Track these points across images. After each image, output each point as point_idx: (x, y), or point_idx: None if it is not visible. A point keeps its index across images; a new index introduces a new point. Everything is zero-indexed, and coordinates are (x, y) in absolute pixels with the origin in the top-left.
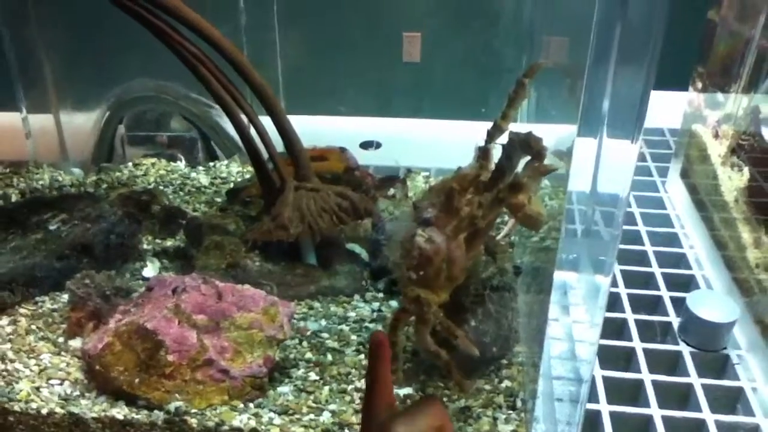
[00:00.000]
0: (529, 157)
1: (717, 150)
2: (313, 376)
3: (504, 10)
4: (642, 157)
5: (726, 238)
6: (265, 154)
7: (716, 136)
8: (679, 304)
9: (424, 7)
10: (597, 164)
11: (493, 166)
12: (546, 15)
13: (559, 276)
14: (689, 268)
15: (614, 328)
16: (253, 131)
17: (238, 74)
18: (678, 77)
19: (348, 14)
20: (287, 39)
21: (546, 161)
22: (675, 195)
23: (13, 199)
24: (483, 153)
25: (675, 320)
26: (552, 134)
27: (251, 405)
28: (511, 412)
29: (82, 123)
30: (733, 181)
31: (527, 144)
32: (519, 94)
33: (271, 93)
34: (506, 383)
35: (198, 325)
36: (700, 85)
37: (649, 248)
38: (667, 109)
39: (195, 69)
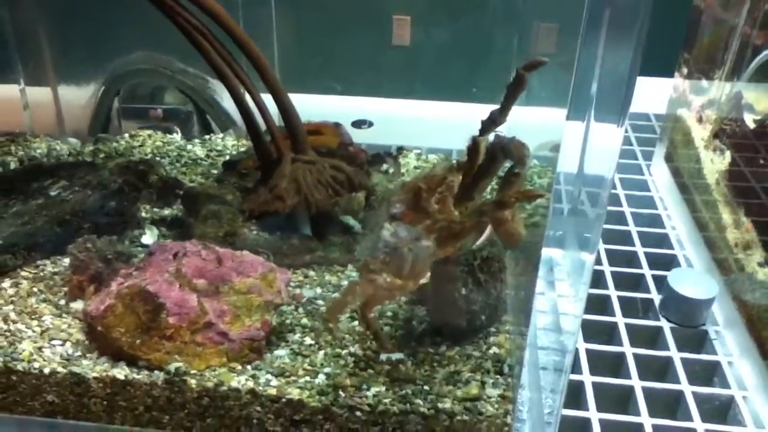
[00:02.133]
0: None
1: (700, 134)
2: (308, 340)
3: None
4: (628, 141)
5: (707, 220)
6: (262, 127)
7: (700, 120)
8: (661, 282)
9: None
10: (584, 147)
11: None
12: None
13: (545, 252)
14: (671, 247)
15: (598, 304)
16: (251, 105)
17: (237, 47)
18: (664, 64)
19: None
20: (283, 16)
21: (533, 158)
22: (659, 178)
23: (12, 166)
24: (473, 146)
25: (656, 297)
26: (541, 116)
27: (249, 367)
28: (498, 377)
29: (79, 96)
30: (715, 164)
31: (509, 151)
32: (518, 87)
33: (269, 67)
34: (494, 350)
35: (198, 289)
36: (685, 71)
37: (632, 228)
38: (653, 94)
39: (196, 41)
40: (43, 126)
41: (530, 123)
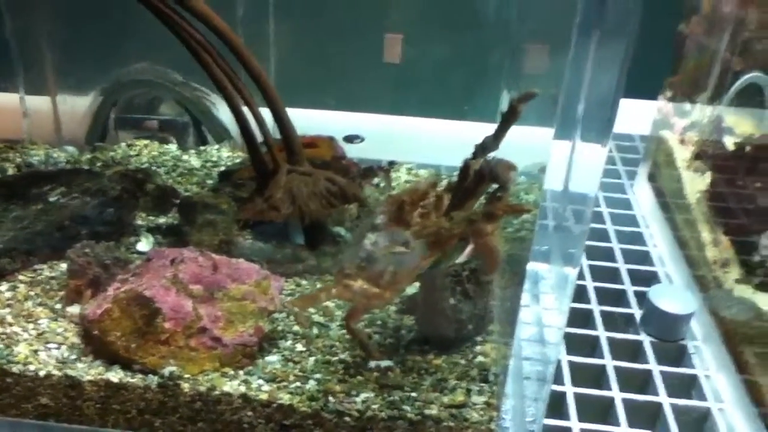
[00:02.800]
0: None
1: (682, 155)
2: (299, 347)
3: (486, 15)
4: (612, 161)
5: (687, 238)
6: (259, 139)
7: (682, 142)
8: (642, 298)
9: (407, 9)
10: (570, 165)
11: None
12: (526, 20)
13: (532, 266)
14: (652, 264)
15: (581, 318)
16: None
17: (238, 62)
18: (649, 87)
19: (340, 13)
20: (280, 33)
21: (521, 174)
22: (642, 197)
23: (10, 172)
24: (464, 169)
25: (638, 312)
26: (530, 135)
27: (241, 372)
28: (483, 384)
29: (77, 105)
30: (695, 184)
31: (495, 174)
32: (511, 118)
33: (268, 81)
34: (480, 359)
35: (194, 294)
36: (669, 93)
37: (615, 245)
38: (637, 116)
39: (197, 54)
40: (42, 134)
41: (520, 141)
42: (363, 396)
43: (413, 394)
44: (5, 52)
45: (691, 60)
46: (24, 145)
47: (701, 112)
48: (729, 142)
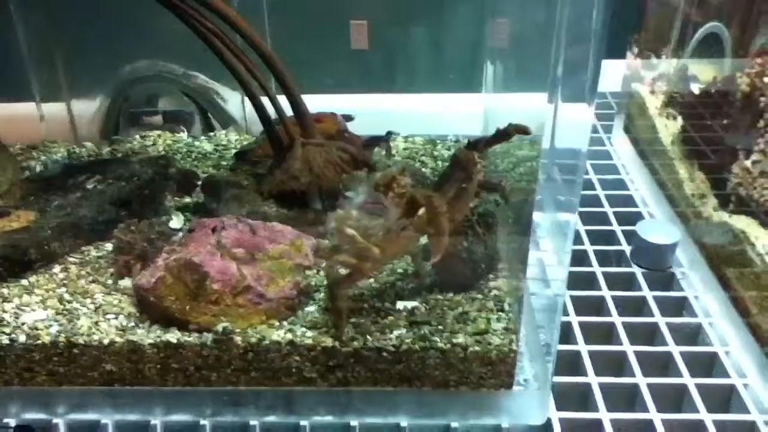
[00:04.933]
0: None
1: (654, 104)
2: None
3: None
4: None
5: (665, 179)
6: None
7: (653, 92)
8: (630, 236)
9: None
10: (554, 124)
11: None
12: None
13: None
14: (636, 206)
15: (576, 258)
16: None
17: (251, 48)
18: (615, 47)
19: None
20: (275, 22)
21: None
22: (619, 147)
23: (38, 169)
24: (451, 159)
25: (627, 248)
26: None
27: (285, 323)
28: (501, 313)
29: (87, 107)
30: (669, 128)
31: (461, 163)
32: (502, 139)
33: (280, 63)
34: (495, 292)
35: (237, 257)
36: (636, 50)
37: (600, 192)
38: (607, 75)
39: (209, 41)
40: (57, 136)
41: (518, 106)
42: (396, 333)
43: (440, 327)
44: (20, 63)
45: (654, 16)
46: (45, 145)
47: (668, 64)
48: (695, 89)
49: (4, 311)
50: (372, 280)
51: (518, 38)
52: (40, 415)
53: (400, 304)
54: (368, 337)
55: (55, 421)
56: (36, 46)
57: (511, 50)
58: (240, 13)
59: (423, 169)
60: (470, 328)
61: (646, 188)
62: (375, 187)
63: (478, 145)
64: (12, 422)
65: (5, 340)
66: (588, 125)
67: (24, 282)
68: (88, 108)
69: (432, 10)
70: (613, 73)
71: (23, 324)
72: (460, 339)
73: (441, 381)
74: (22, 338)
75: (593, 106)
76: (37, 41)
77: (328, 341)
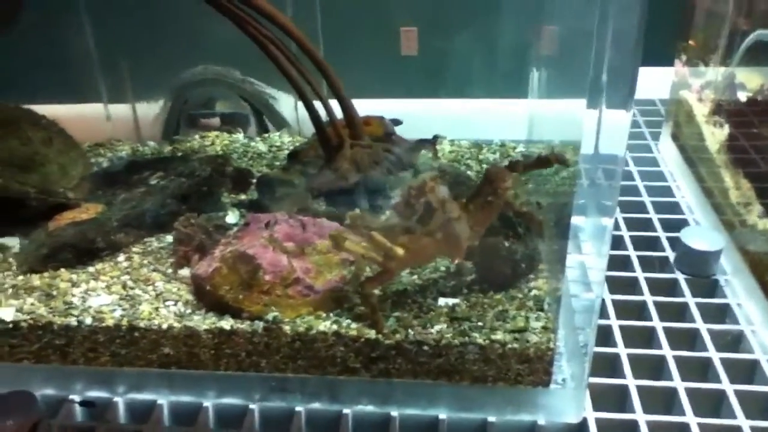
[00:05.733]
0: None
1: (701, 111)
2: (377, 292)
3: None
4: (637, 125)
5: (711, 186)
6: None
7: (700, 99)
8: (674, 243)
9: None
10: (598, 129)
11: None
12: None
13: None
14: (682, 213)
15: (620, 263)
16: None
17: (303, 53)
18: (665, 54)
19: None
20: (328, 28)
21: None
22: (667, 154)
23: (104, 165)
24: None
25: (671, 255)
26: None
27: (331, 315)
28: (540, 312)
29: (152, 107)
30: (715, 136)
31: (492, 177)
32: (541, 166)
33: (330, 69)
34: (534, 292)
35: (288, 251)
36: (684, 57)
37: (646, 198)
38: (657, 82)
39: (265, 48)
40: (122, 135)
41: (560, 112)
42: (437, 328)
43: (479, 324)
44: (90, 67)
45: (702, 24)
46: (111, 143)
47: (715, 71)
48: (742, 96)
49: (73, 295)
50: (415, 276)
51: (564, 45)
52: (102, 393)
53: (441, 301)
54: (410, 330)
55: (115, 399)
56: (104, 51)
57: (556, 57)
58: (295, 21)
59: (468, 172)
60: (509, 325)
61: (692, 195)
62: (407, 191)
63: (516, 166)
64: (77, 398)
65: (73, 322)
66: (625, 131)
67: (91, 269)
68: (150, 109)
69: (480, 15)
70: (662, 80)
71: (89, 307)
72: (499, 336)
73: (479, 376)
74: (88, 320)
75: (631, 112)
76: (105, 46)
77: (372, 333)
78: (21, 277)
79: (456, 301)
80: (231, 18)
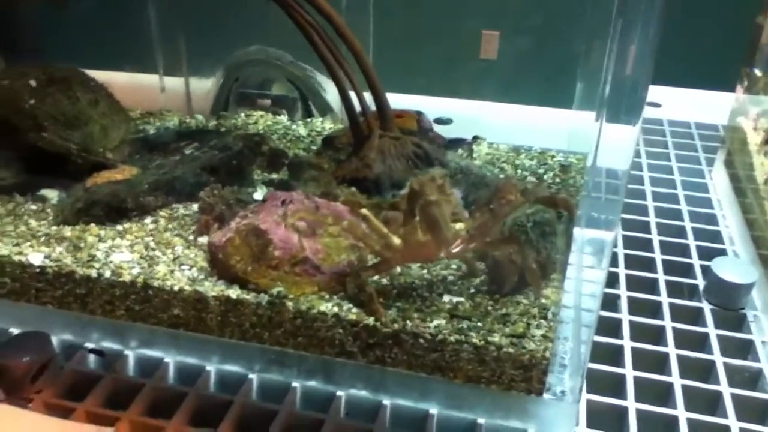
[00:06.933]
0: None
1: (755, 140)
2: (383, 281)
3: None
4: (693, 148)
5: (754, 219)
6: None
7: (755, 128)
8: (707, 271)
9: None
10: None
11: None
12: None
13: (595, 234)
14: (722, 243)
15: (646, 285)
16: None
17: (343, 42)
18: (727, 79)
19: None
20: (380, 23)
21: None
22: (718, 181)
23: (151, 133)
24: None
25: (702, 284)
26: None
27: (335, 297)
28: (542, 320)
29: (205, 83)
30: (764, 166)
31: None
32: (547, 205)
33: (368, 61)
34: (541, 300)
35: (299, 230)
36: (746, 83)
37: (687, 224)
38: (720, 108)
39: (309, 36)
40: (174, 107)
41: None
42: (436, 322)
43: (479, 324)
44: (148, 40)
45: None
46: (161, 113)
47: None
48: None
49: (98, 249)
50: (425, 271)
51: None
52: (115, 345)
53: (446, 297)
54: (408, 321)
55: (126, 352)
56: (164, 25)
57: (599, 72)
58: (346, 13)
59: (501, 176)
60: (508, 329)
61: (736, 226)
62: (411, 187)
63: (527, 195)
64: (90, 346)
65: (94, 274)
66: (631, 146)
67: (119, 227)
68: (203, 84)
69: (542, 24)
70: (726, 106)
71: (111, 262)
72: (496, 338)
73: (473, 376)
74: (107, 274)
75: (637, 127)
76: (165, 20)
77: (370, 320)
78: (54, 228)
79: (461, 299)
80: (278, 3)
